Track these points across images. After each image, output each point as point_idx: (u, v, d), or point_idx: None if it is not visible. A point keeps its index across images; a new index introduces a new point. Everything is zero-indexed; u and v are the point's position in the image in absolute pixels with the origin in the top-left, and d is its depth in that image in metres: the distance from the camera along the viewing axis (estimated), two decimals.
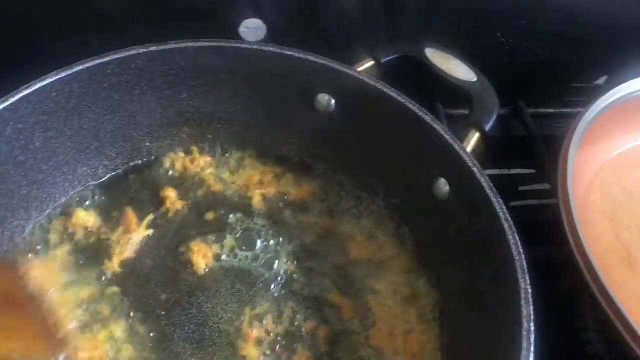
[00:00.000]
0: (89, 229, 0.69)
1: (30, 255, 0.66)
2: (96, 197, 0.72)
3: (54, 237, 0.68)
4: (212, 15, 0.77)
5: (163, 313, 0.63)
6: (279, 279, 0.67)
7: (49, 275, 0.64)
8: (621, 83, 0.76)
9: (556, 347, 0.70)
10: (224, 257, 0.68)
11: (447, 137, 0.62)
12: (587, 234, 0.63)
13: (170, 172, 0.75)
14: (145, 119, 0.72)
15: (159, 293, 0.65)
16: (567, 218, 0.63)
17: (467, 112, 0.71)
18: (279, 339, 0.63)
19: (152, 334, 0.62)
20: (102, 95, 0.68)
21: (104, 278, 0.65)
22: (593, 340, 0.71)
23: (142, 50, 0.66)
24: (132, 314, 0.63)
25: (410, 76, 0.72)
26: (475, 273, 0.61)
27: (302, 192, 0.74)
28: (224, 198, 0.73)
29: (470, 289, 0.62)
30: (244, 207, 0.73)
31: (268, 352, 0.61)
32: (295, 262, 0.68)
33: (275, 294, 0.66)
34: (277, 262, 0.68)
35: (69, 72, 0.63)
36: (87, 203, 0.71)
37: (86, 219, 0.69)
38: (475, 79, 0.71)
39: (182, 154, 0.76)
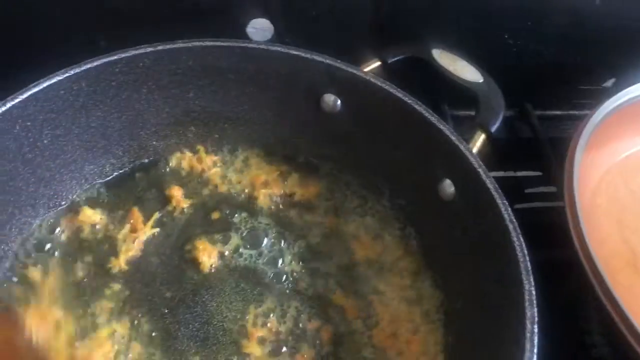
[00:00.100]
0: (96, 227, 0.69)
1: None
2: (103, 195, 0.72)
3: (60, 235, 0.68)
4: (220, 15, 0.77)
5: (167, 311, 0.64)
6: (284, 278, 0.67)
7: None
8: (629, 85, 0.76)
9: (561, 349, 0.70)
10: (229, 256, 0.68)
11: (453, 138, 0.62)
12: (593, 237, 0.63)
13: (177, 171, 0.75)
14: (152, 117, 0.73)
15: (163, 291, 0.65)
16: (572, 221, 0.63)
17: (473, 113, 0.71)
18: (282, 338, 0.63)
19: (156, 332, 0.62)
20: (110, 94, 0.68)
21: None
22: (598, 343, 0.71)
23: (149, 49, 0.66)
24: (137, 312, 0.63)
25: (417, 77, 0.72)
26: (479, 274, 0.61)
27: (307, 192, 0.74)
28: (229, 197, 0.73)
29: (474, 290, 0.62)
30: (250, 206, 0.73)
31: (271, 351, 0.62)
32: (300, 262, 0.69)
33: (280, 293, 0.66)
34: (281, 261, 0.68)
35: (77, 70, 0.64)
36: (94, 201, 0.71)
37: (93, 216, 0.69)
38: (481, 80, 0.71)
39: (188, 153, 0.76)
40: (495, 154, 0.73)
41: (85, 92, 0.66)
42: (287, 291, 0.66)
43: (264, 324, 0.63)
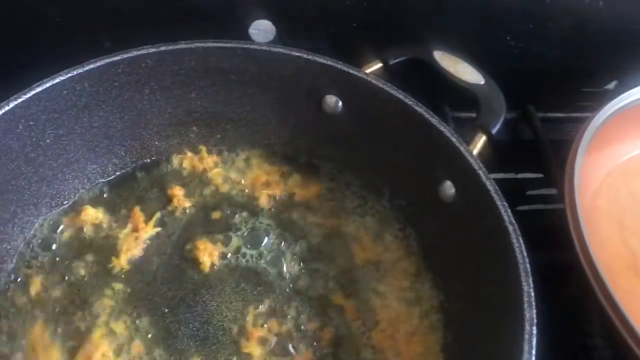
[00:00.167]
0: (97, 226, 0.70)
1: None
2: (105, 195, 0.73)
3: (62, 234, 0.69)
4: (223, 16, 0.77)
5: (168, 310, 0.64)
6: (284, 278, 0.67)
7: None
8: (631, 88, 0.75)
9: (562, 352, 0.70)
10: (229, 256, 0.69)
11: (453, 139, 0.62)
12: (594, 239, 0.63)
13: (178, 171, 0.75)
14: (154, 118, 0.73)
15: (164, 290, 0.65)
16: (573, 223, 0.63)
17: (474, 115, 0.71)
18: (282, 338, 0.63)
19: (156, 331, 0.63)
20: (112, 94, 0.68)
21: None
22: (599, 346, 0.71)
23: (152, 50, 0.67)
24: (137, 311, 0.64)
25: (418, 78, 0.72)
26: (479, 276, 0.61)
27: (308, 193, 0.75)
28: (230, 197, 0.74)
29: (474, 291, 0.62)
30: (251, 206, 0.73)
31: (271, 351, 0.62)
32: (300, 262, 0.69)
33: (280, 294, 0.66)
34: (282, 261, 0.69)
35: (80, 70, 0.64)
36: (96, 200, 0.72)
37: (95, 216, 0.70)
38: (483, 82, 0.71)
39: (190, 153, 0.76)
40: (496, 155, 0.73)
41: (88, 92, 0.66)
42: (287, 291, 0.66)
43: (264, 324, 0.64)
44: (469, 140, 0.65)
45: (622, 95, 0.73)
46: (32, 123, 0.64)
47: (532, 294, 0.51)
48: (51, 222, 0.69)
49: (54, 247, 0.68)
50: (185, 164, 0.76)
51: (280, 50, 0.68)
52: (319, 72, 0.69)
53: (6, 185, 0.64)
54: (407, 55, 0.74)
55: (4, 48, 0.76)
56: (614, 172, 0.79)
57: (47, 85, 0.63)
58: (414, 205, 0.71)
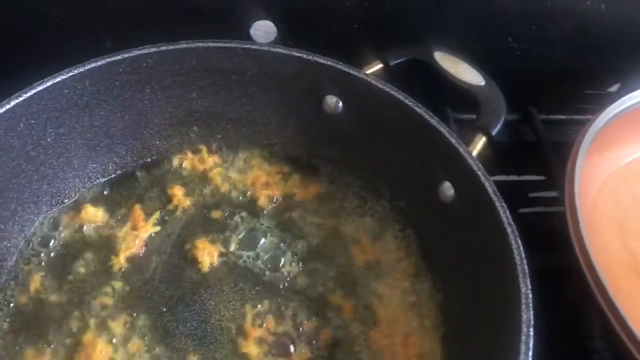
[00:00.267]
0: (97, 225, 0.70)
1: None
2: (105, 194, 0.73)
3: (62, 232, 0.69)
4: (224, 16, 0.78)
5: (166, 309, 0.64)
6: (282, 278, 0.67)
7: None
8: (634, 91, 0.75)
9: (563, 355, 0.70)
10: (228, 255, 0.69)
11: (453, 140, 0.62)
12: (594, 242, 0.62)
13: (179, 171, 0.76)
14: (155, 117, 0.73)
15: (163, 289, 0.66)
16: (573, 226, 0.63)
17: (476, 116, 0.71)
18: (280, 338, 0.63)
19: (154, 329, 0.63)
20: (113, 93, 0.69)
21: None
22: (599, 349, 0.71)
23: (153, 50, 0.67)
24: (136, 309, 0.64)
25: (419, 79, 0.72)
26: (478, 277, 0.61)
27: (308, 193, 0.75)
28: (230, 197, 0.74)
29: (473, 292, 0.61)
30: (250, 206, 0.73)
31: (268, 351, 0.62)
32: (299, 263, 0.69)
33: (278, 294, 0.66)
34: (281, 262, 0.69)
35: (81, 69, 0.65)
36: (96, 199, 0.72)
37: (95, 214, 0.70)
38: (483, 83, 0.70)
39: (190, 153, 0.76)
40: (498, 157, 0.73)
41: (89, 92, 0.67)
42: (286, 291, 0.66)
43: (262, 324, 0.63)
44: (468, 141, 0.65)
45: (624, 98, 0.73)
46: (33, 122, 0.64)
47: (530, 295, 0.51)
48: (51, 220, 0.70)
49: (53, 245, 0.68)
50: (186, 163, 0.76)
51: (281, 50, 0.69)
52: (319, 72, 0.69)
53: (7, 184, 0.64)
54: (407, 56, 0.74)
55: (6, 47, 0.76)
56: (615, 175, 0.78)
57: (48, 84, 0.63)
58: (413, 206, 0.71)
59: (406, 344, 0.62)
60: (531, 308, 0.51)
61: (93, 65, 0.65)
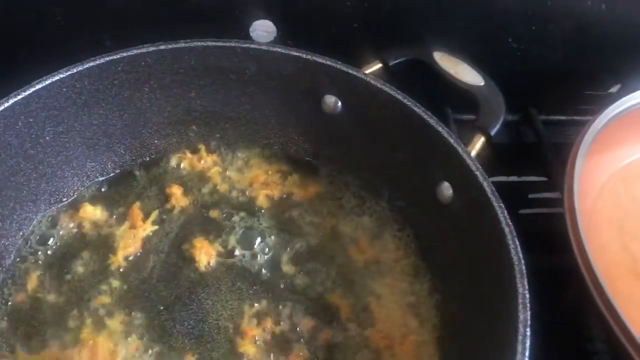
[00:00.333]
0: (96, 223, 0.70)
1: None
2: (104, 192, 0.73)
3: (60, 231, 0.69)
4: (224, 16, 0.78)
5: (163, 308, 0.64)
6: (280, 278, 0.67)
7: None
8: (634, 92, 0.75)
9: (562, 356, 0.70)
10: (226, 255, 0.69)
11: (451, 140, 0.62)
12: (594, 243, 0.62)
13: (177, 170, 0.76)
14: (154, 116, 0.73)
15: (160, 288, 0.66)
16: (572, 228, 0.63)
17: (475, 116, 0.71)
18: (277, 337, 0.63)
19: (152, 328, 0.62)
20: (112, 92, 0.69)
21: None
22: (599, 350, 0.70)
23: (151, 49, 0.67)
24: (133, 308, 0.64)
25: (419, 80, 0.72)
26: (476, 277, 0.61)
27: (307, 193, 0.75)
28: (229, 197, 0.74)
29: (471, 292, 0.61)
30: (249, 206, 0.73)
31: (266, 350, 0.62)
32: (297, 262, 0.69)
33: (275, 293, 0.66)
34: (279, 261, 0.68)
35: (80, 68, 0.65)
36: (95, 197, 0.72)
37: (93, 213, 0.70)
38: (482, 83, 0.70)
39: (189, 153, 0.76)
40: (499, 158, 0.73)
41: (87, 90, 0.67)
42: (283, 291, 0.66)
43: (259, 324, 0.63)
44: (467, 142, 0.65)
45: (623, 99, 0.72)
46: (31, 120, 0.64)
47: (527, 295, 0.51)
48: (50, 219, 0.70)
49: (52, 243, 0.68)
50: (184, 162, 0.76)
51: (279, 50, 0.69)
52: (318, 72, 0.69)
53: (5, 182, 0.65)
54: (407, 56, 0.73)
55: (6, 47, 0.76)
56: (614, 176, 0.78)
57: (47, 82, 0.63)
58: (412, 206, 0.71)
59: (404, 343, 0.62)
60: (528, 308, 0.50)
61: (92, 64, 0.65)
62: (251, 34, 0.80)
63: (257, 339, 0.62)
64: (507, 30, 0.83)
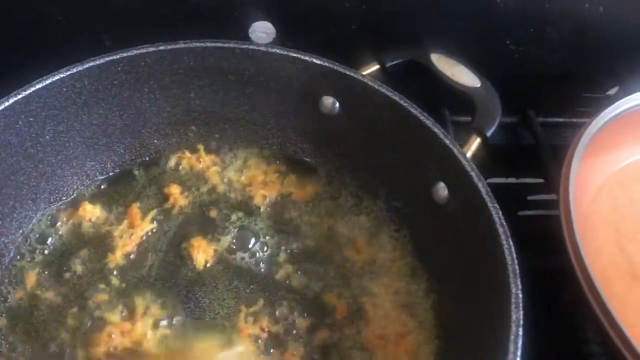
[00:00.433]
0: (95, 222, 0.70)
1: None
2: (103, 191, 0.73)
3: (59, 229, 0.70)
4: (223, 17, 0.78)
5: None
6: (277, 277, 0.67)
7: None
8: (631, 94, 0.75)
9: (558, 358, 0.70)
10: (223, 254, 0.69)
11: (447, 141, 0.62)
12: (590, 246, 0.62)
13: (177, 170, 0.76)
14: (153, 116, 0.74)
15: (158, 286, 0.66)
16: (567, 231, 0.63)
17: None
18: (273, 336, 0.63)
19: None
20: (112, 92, 0.69)
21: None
22: (595, 352, 0.70)
23: (151, 49, 0.68)
24: (130, 307, 0.64)
25: (416, 81, 0.73)
26: (472, 277, 0.61)
27: (304, 193, 0.75)
28: (227, 196, 0.74)
29: (466, 292, 0.61)
30: (247, 206, 0.74)
31: (262, 349, 0.62)
32: (294, 262, 0.69)
33: (272, 292, 0.66)
34: (276, 261, 0.69)
35: (80, 68, 0.65)
36: (94, 196, 0.73)
37: (92, 211, 0.71)
38: (479, 85, 0.71)
39: (188, 153, 0.77)
40: (497, 160, 0.73)
41: (87, 90, 0.67)
42: (280, 290, 0.66)
43: (255, 322, 0.64)
44: (463, 143, 0.65)
45: (619, 102, 0.72)
46: (31, 119, 0.65)
47: (520, 295, 0.51)
48: (49, 217, 0.70)
49: (51, 241, 0.69)
50: (184, 162, 0.77)
51: (278, 51, 0.69)
52: (315, 73, 0.69)
53: (5, 180, 0.65)
54: (404, 57, 0.74)
55: (6, 47, 0.77)
56: (611, 179, 0.78)
57: (47, 82, 0.64)
58: (409, 206, 0.71)
59: (399, 343, 0.62)
60: (521, 308, 0.51)
61: (92, 64, 0.66)
62: (250, 35, 0.81)
63: (253, 337, 0.63)
64: (505, 33, 0.83)
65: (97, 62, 0.66)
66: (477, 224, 0.59)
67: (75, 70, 0.65)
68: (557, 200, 0.66)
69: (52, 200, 0.71)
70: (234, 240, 0.70)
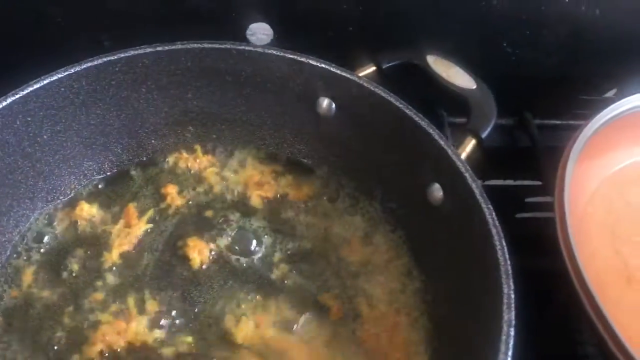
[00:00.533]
0: (91, 221, 0.71)
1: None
2: (100, 191, 0.74)
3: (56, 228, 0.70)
4: (220, 18, 0.79)
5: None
6: (273, 277, 0.68)
7: None
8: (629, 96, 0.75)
9: (554, 359, 0.70)
10: (219, 254, 0.69)
11: (442, 142, 0.62)
12: (585, 249, 0.62)
13: (174, 170, 0.77)
14: (151, 116, 0.74)
15: (154, 286, 0.66)
16: (562, 233, 0.63)
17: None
18: (268, 336, 0.63)
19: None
20: (110, 92, 0.70)
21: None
22: (591, 354, 0.70)
23: (149, 50, 0.68)
24: (126, 305, 0.64)
25: (412, 82, 0.73)
26: (466, 278, 0.61)
27: (300, 193, 0.75)
28: (223, 197, 0.74)
29: (460, 293, 0.62)
30: (243, 206, 0.74)
31: (258, 349, 0.62)
32: (289, 262, 0.69)
33: (268, 292, 0.66)
34: (271, 261, 0.69)
35: (78, 68, 0.66)
36: (91, 196, 0.73)
37: (89, 211, 0.71)
38: (474, 87, 0.71)
39: (185, 153, 0.77)
40: (494, 162, 0.73)
41: (85, 90, 0.68)
42: (276, 290, 0.67)
43: (250, 322, 0.64)
44: (458, 144, 0.66)
45: (615, 104, 0.73)
46: (29, 119, 0.65)
47: (512, 295, 0.51)
48: (46, 216, 0.71)
49: (48, 240, 0.69)
50: (181, 163, 0.77)
51: (274, 52, 0.69)
52: (312, 74, 0.70)
53: (3, 179, 0.66)
54: (400, 59, 0.74)
55: (6, 47, 0.77)
56: (607, 181, 0.78)
57: (45, 82, 0.64)
58: (404, 208, 0.71)
59: (393, 343, 0.63)
60: (513, 308, 0.51)
61: (89, 64, 0.66)
62: (248, 36, 0.81)
63: (248, 337, 0.63)
64: (502, 35, 0.83)
65: (95, 63, 0.66)
66: (471, 225, 0.59)
67: (73, 70, 0.65)
68: (553, 202, 0.66)
69: (49, 199, 0.71)
70: (230, 241, 0.70)
